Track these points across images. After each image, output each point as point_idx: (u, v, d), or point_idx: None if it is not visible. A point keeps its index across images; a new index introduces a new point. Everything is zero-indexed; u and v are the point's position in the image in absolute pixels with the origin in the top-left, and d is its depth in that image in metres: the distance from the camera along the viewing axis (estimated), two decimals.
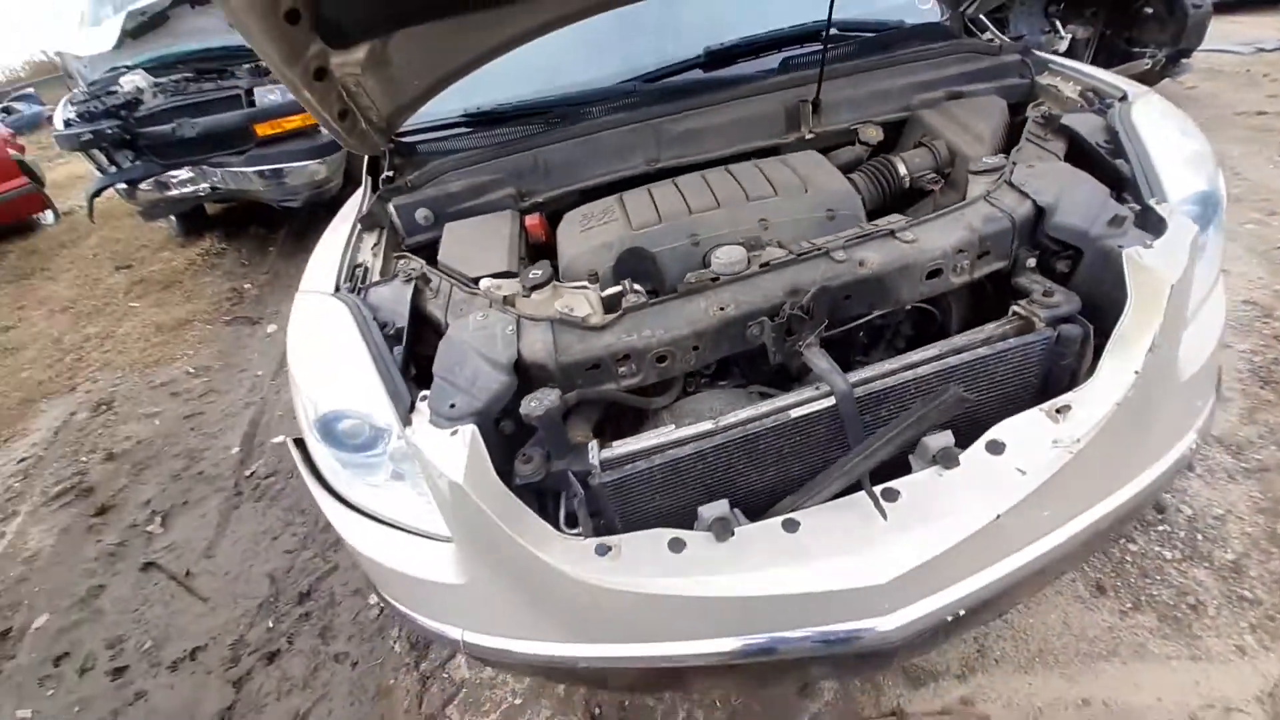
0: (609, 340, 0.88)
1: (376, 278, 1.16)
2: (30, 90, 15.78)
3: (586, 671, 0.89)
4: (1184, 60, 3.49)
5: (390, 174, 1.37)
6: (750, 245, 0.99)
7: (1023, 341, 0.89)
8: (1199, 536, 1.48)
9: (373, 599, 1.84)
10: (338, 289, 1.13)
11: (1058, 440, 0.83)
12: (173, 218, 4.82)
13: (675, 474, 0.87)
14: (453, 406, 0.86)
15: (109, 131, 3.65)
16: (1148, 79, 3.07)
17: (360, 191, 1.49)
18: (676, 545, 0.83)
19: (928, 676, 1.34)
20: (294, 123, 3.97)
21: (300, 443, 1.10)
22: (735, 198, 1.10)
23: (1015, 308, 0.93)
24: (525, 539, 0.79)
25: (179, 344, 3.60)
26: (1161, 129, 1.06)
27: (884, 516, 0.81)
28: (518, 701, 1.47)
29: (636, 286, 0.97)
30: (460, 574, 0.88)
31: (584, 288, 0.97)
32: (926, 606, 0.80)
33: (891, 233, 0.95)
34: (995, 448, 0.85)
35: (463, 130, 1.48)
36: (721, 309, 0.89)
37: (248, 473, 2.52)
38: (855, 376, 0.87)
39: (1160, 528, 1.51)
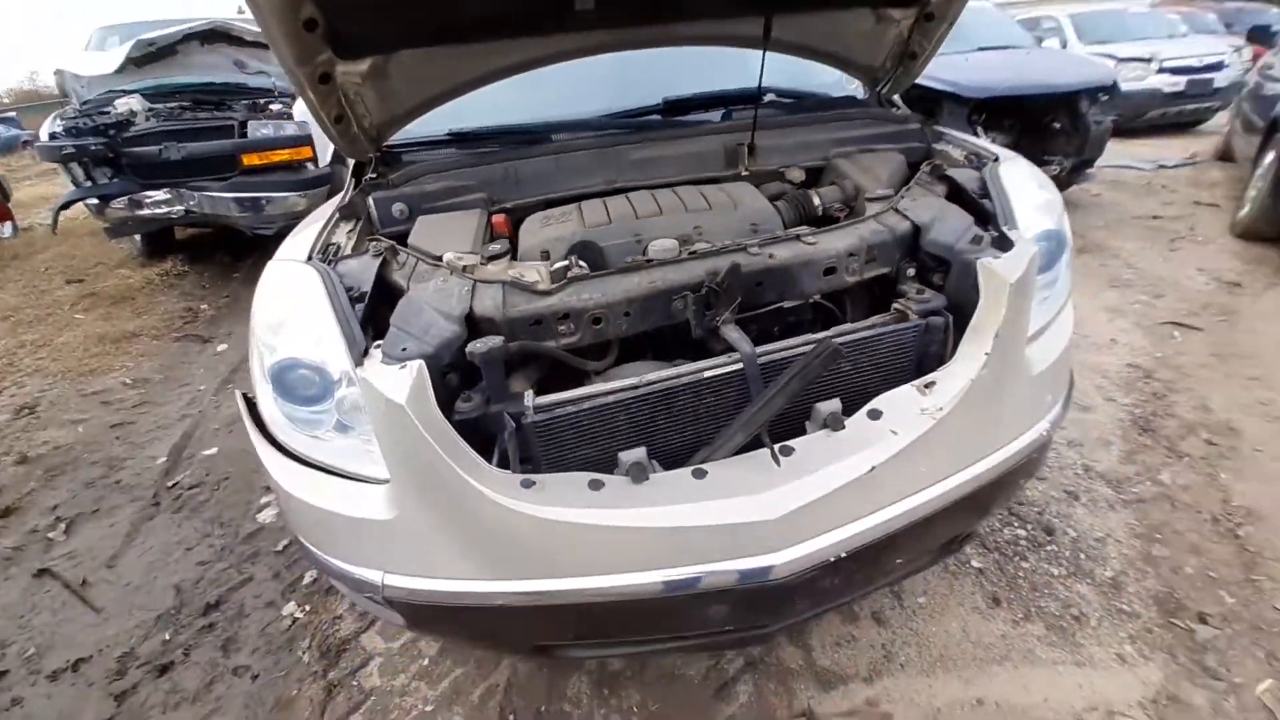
0: (551, 301, 1.00)
1: (348, 254, 1.26)
2: (13, 114, 15.75)
3: (502, 612, 0.92)
4: (1088, 170, 4.05)
5: (374, 175, 1.50)
6: (682, 241, 1.15)
7: (898, 328, 1.06)
8: (1082, 556, 1.63)
9: (286, 609, 1.78)
10: (309, 260, 1.22)
11: (925, 409, 0.97)
12: (138, 237, 4.80)
13: (600, 422, 0.97)
14: (404, 350, 0.95)
15: (93, 148, 3.72)
16: (1057, 185, 3.55)
17: (344, 191, 1.61)
18: (596, 485, 0.92)
19: (837, 680, 1.39)
20: (281, 156, 4.12)
21: (249, 400, 1.15)
22: (676, 208, 1.27)
23: (895, 304, 1.11)
24: (458, 465, 0.86)
25: (120, 356, 3.50)
26: (1022, 183, 1.31)
27: (778, 464, 0.92)
28: (429, 708, 1.43)
29: (581, 263, 1.11)
30: (390, 509, 0.93)
31: (536, 264, 1.10)
32: (813, 545, 0.90)
33: (798, 236, 1.13)
34: (874, 414, 0.99)
35: (446, 147, 1.65)
36: (651, 282, 1.03)
37: (170, 483, 2.43)
38: (760, 349, 1.01)
39: (1049, 548, 1.65)
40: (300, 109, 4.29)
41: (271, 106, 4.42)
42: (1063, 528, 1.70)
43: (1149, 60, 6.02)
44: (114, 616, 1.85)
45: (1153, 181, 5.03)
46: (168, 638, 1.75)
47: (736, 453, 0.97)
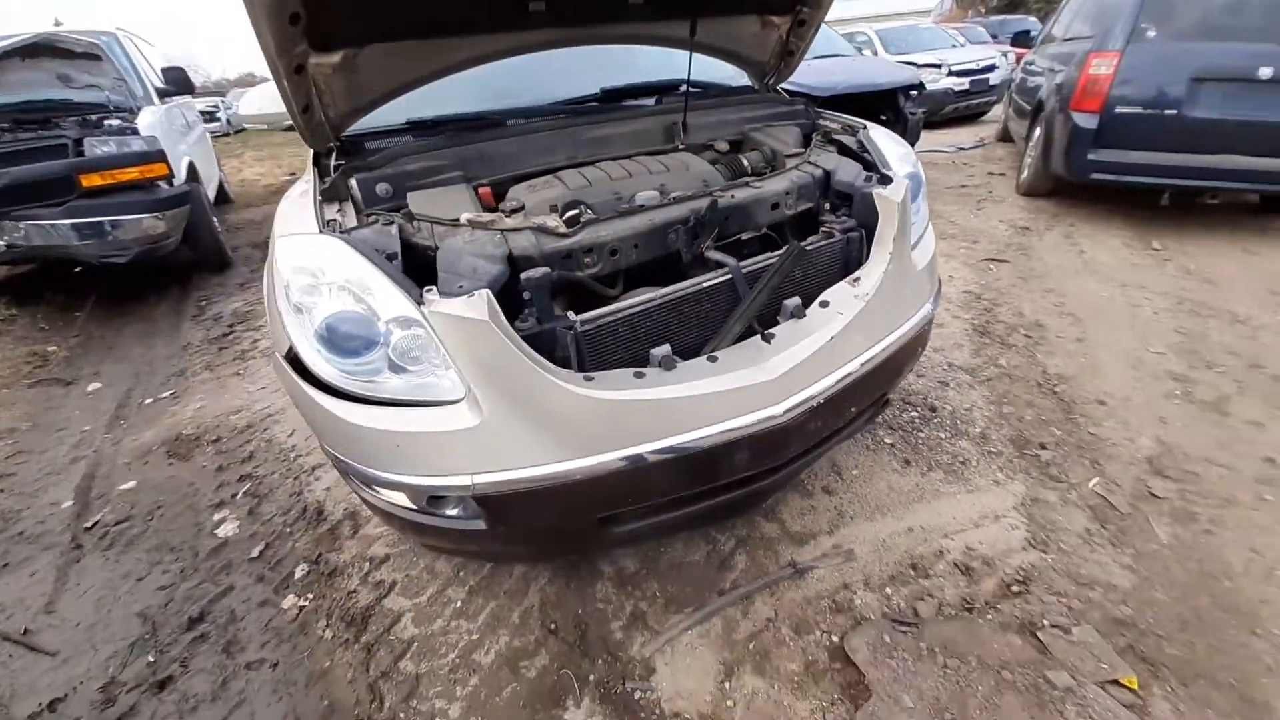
0: (580, 238, 1.24)
1: (353, 226, 1.37)
2: None
3: (575, 486, 1.13)
4: None
5: (342, 162, 1.60)
6: (661, 192, 1.43)
7: (829, 241, 1.44)
8: (959, 422, 2.16)
9: (286, 602, 1.79)
10: (323, 233, 1.32)
11: (857, 296, 1.35)
12: None
13: (630, 329, 1.22)
14: (460, 288, 1.13)
15: None
16: None
17: (303, 182, 1.67)
18: (639, 374, 1.18)
19: (807, 537, 1.75)
20: (129, 175, 3.70)
21: (294, 359, 1.22)
22: (641, 171, 1.55)
23: (822, 227, 1.49)
24: (533, 369, 1.07)
25: None
26: (886, 142, 1.76)
27: (768, 343, 1.24)
28: (474, 636, 1.57)
29: (590, 211, 1.34)
30: (475, 416, 1.10)
31: (548, 216, 1.31)
32: (800, 395, 1.23)
33: (747, 183, 1.47)
34: (824, 304, 1.35)
35: (403, 135, 1.77)
36: (651, 220, 1.30)
37: (88, 524, 2.23)
38: (741, 263, 1.33)
39: (935, 421, 2.17)
40: (146, 122, 3.93)
41: (107, 122, 3.97)
42: (942, 405, 2.24)
43: (940, 66, 7.39)
44: (75, 655, 1.73)
45: (955, 161, 6.21)
46: (152, 659, 1.69)
47: (734, 342, 1.27)
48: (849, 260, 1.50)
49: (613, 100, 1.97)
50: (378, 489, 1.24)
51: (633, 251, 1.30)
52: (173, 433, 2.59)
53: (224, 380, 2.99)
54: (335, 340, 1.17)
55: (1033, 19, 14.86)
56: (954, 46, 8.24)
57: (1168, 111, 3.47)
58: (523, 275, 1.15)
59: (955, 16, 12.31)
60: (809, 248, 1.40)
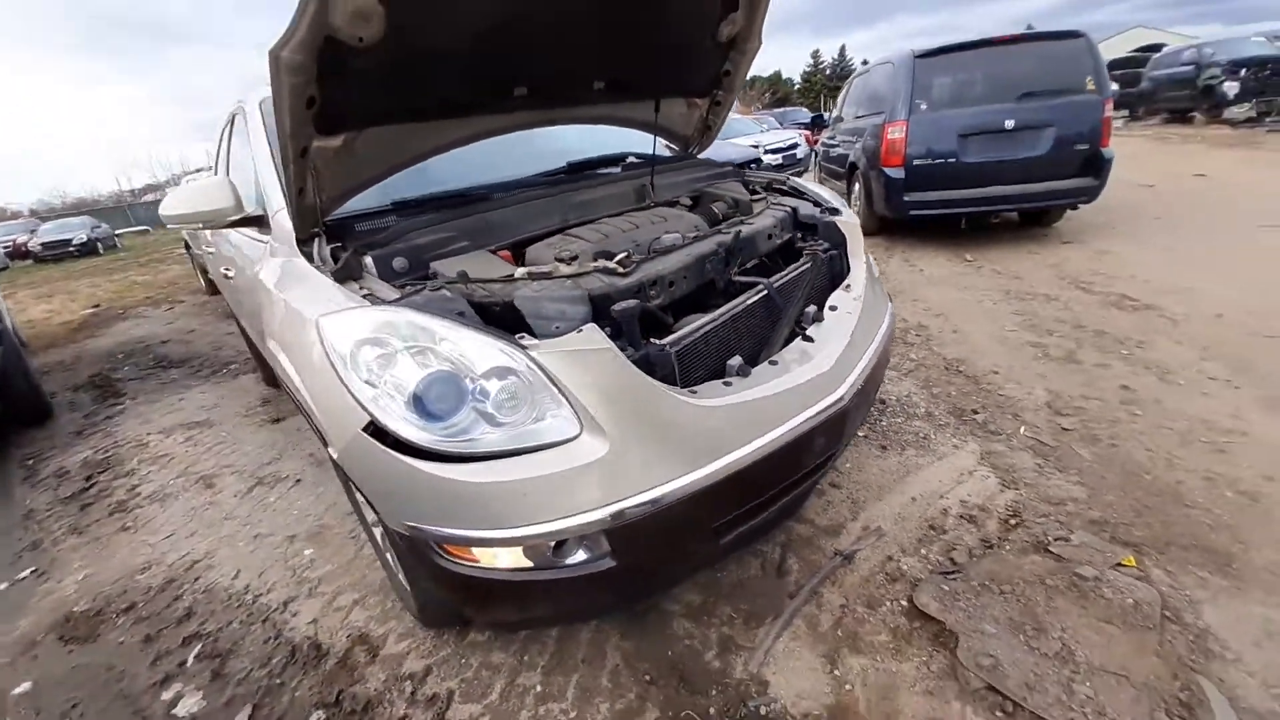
0: (642, 274, 1.34)
1: (396, 297, 1.32)
2: None
3: (693, 499, 1.16)
4: None
5: (339, 244, 1.55)
6: (681, 235, 1.61)
7: (818, 260, 1.71)
8: (906, 408, 2.53)
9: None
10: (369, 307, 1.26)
11: (855, 298, 1.62)
12: None
13: (705, 345, 1.33)
14: (558, 329, 1.17)
15: None
16: None
17: (312, 265, 1.54)
18: (726, 384, 1.28)
19: (837, 527, 1.91)
20: None
21: (380, 431, 1.12)
22: (644, 223, 1.72)
23: (805, 252, 1.76)
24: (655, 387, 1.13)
25: None
26: (811, 186, 2.15)
27: (811, 341, 1.43)
28: (572, 714, 1.45)
29: (636, 255, 1.46)
30: (602, 446, 1.10)
31: (599, 263, 1.40)
32: (850, 379, 1.42)
33: (741, 222, 1.71)
34: (833, 308, 1.59)
35: (389, 216, 1.76)
36: (689, 255, 1.46)
37: None
38: (768, 281, 1.53)
39: (888, 410, 2.52)
40: None
41: None
42: (888, 398, 2.61)
43: (758, 146, 8.83)
44: None
45: None
46: None
47: (783, 346, 1.44)
48: (835, 272, 1.79)
49: (577, 171, 2.14)
50: (477, 558, 1.16)
51: (683, 282, 1.43)
52: (58, 614, 2.02)
53: (105, 540, 2.43)
54: (427, 404, 1.12)
55: (804, 109, 18.76)
56: (763, 131, 9.90)
57: (949, 160, 4.56)
58: (614, 308, 1.22)
59: (743, 111, 14.99)
60: (804, 268, 1.66)
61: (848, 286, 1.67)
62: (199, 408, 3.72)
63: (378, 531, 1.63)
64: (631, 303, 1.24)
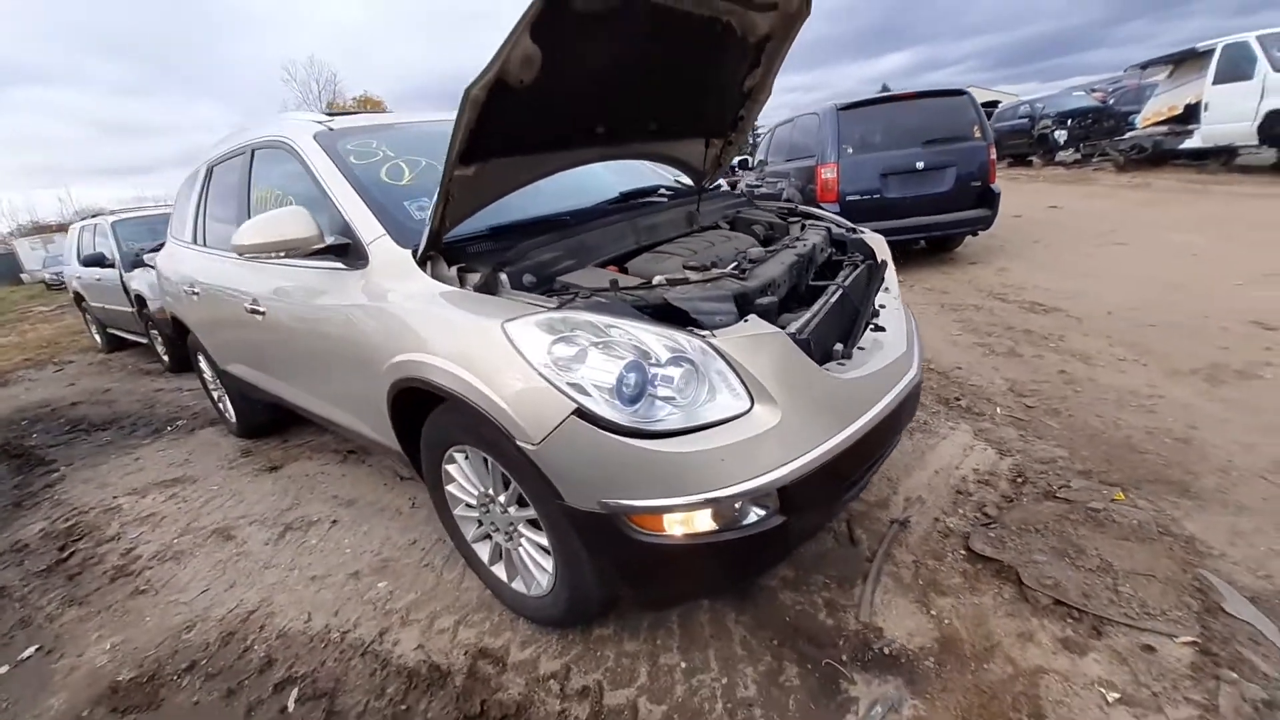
0: (764, 277, 1.59)
1: (556, 304, 1.46)
2: None
3: (843, 454, 1.39)
4: None
5: (463, 265, 1.66)
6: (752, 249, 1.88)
7: (867, 265, 2.05)
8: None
9: None
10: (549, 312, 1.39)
11: (895, 297, 1.97)
12: None
13: (815, 333, 1.60)
14: (719, 319, 1.38)
15: None
16: None
17: (388, 278, 1.66)
18: (841, 364, 1.55)
19: (884, 501, 2.20)
20: None
21: (588, 416, 1.25)
22: (717, 241, 1.98)
23: (845, 262, 2.10)
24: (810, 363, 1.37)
25: None
26: (824, 211, 2.53)
27: (884, 330, 1.74)
28: (724, 680, 1.56)
29: (750, 262, 1.70)
30: (774, 416, 1.30)
31: (719, 270, 1.63)
32: (917, 360, 1.74)
33: (798, 239, 2.02)
34: (882, 305, 1.92)
35: (485, 241, 1.88)
36: (786, 261, 1.73)
37: None
38: (839, 281, 1.84)
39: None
40: None
41: None
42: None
43: None
44: None
45: None
46: None
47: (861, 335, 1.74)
48: (876, 277, 2.14)
49: (628, 199, 2.37)
50: (665, 527, 1.31)
51: (784, 284, 1.69)
52: (98, 686, 1.82)
53: (121, 606, 2.19)
54: (623, 390, 1.27)
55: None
56: None
57: (875, 195, 5.29)
58: (758, 302, 1.45)
59: None
60: (861, 272, 2.00)
61: (886, 289, 2.02)
62: (168, 465, 3.40)
63: (517, 541, 1.69)
64: (771, 298, 1.48)
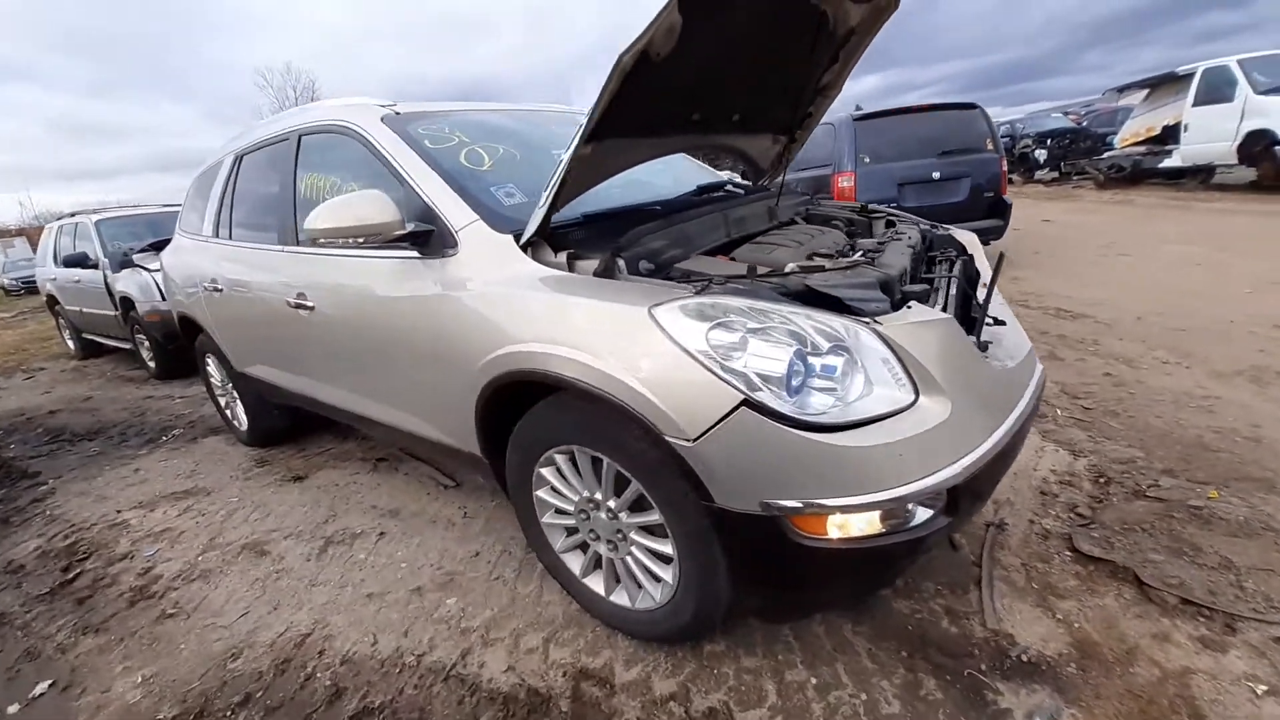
0: (898, 265, 1.51)
1: (694, 290, 1.35)
2: None
3: (1003, 449, 1.30)
4: None
5: (574, 249, 1.55)
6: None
7: (968, 259, 2.00)
8: None
9: None
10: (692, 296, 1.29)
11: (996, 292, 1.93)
12: None
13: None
14: (875, 305, 1.29)
15: None
16: None
17: (485, 266, 1.55)
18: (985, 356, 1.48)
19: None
20: None
21: (760, 407, 1.14)
22: (817, 234, 1.91)
23: (938, 258, 2.05)
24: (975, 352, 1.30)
25: None
26: (901, 212, 2.49)
27: (1004, 324, 1.69)
28: (863, 697, 1.45)
29: (870, 254, 1.63)
30: (944, 409, 1.21)
31: (850, 258, 1.56)
32: (1038, 368, 1.69)
33: (900, 234, 1.97)
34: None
35: (578, 229, 1.77)
36: (903, 251, 1.67)
37: None
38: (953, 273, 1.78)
39: None
40: None
41: None
42: None
43: None
44: None
45: None
46: None
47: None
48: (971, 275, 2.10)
49: (704, 193, 2.29)
50: (827, 530, 1.20)
51: (907, 273, 1.63)
52: None
53: (148, 633, 1.97)
54: (790, 380, 1.17)
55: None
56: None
57: (893, 204, 5.32)
58: (907, 289, 1.37)
59: None
60: (961, 265, 1.95)
61: (983, 285, 1.97)
62: (174, 476, 3.14)
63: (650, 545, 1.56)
64: (920, 286, 1.40)
